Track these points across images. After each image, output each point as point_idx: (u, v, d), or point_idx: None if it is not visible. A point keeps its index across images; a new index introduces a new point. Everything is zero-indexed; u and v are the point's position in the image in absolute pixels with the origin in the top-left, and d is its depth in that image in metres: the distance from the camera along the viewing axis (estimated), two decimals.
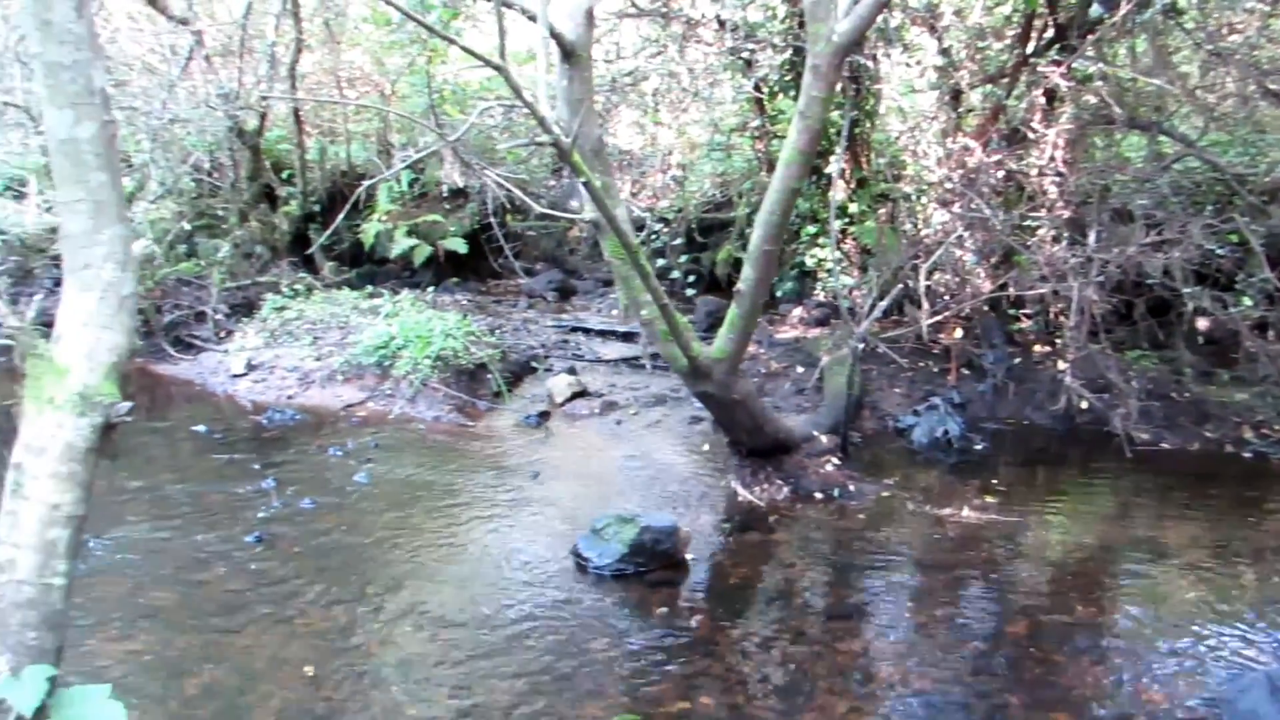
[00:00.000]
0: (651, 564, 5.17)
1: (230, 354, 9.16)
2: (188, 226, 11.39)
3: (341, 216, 6.42)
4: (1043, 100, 7.86)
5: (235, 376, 8.82)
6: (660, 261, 10.06)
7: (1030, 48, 8.08)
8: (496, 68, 4.15)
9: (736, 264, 10.51)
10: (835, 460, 6.57)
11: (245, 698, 4.01)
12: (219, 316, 10.15)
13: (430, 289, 11.13)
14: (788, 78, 9.37)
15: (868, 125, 9.49)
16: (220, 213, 11.91)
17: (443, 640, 4.48)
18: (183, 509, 5.91)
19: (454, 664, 4.29)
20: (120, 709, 1.76)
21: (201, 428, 7.56)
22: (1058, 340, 8.08)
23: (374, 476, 6.55)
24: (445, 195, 12.55)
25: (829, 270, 9.09)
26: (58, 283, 8.73)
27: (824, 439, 6.72)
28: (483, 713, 3.94)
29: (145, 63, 12.05)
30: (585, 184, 4.63)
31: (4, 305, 1.83)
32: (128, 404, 1.80)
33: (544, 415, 7.99)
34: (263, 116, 11.86)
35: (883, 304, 6.97)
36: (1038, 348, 8.47)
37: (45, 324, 1.97)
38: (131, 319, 1.86)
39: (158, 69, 11.85)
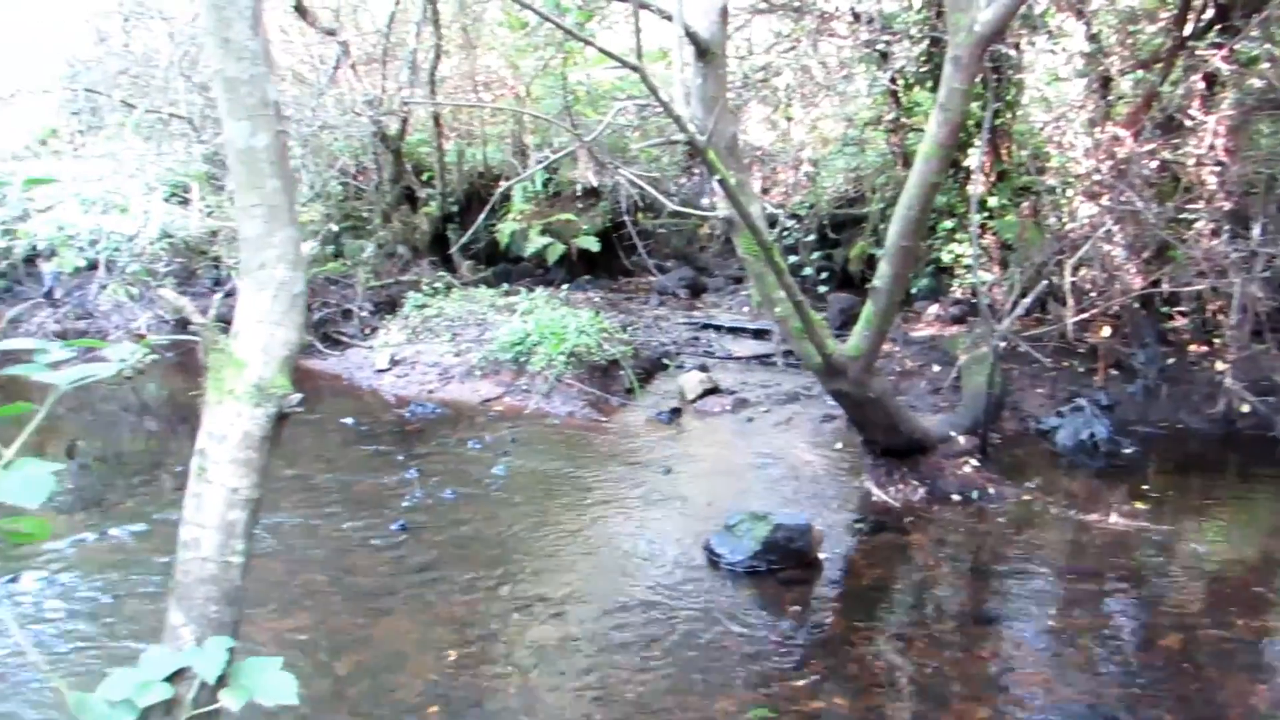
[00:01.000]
0: (784, 562, 5.15)
1: (375, 350, 9.55)
2: (335, 228, 11.91)
3: (483, 217, 6.61)
4: (1202, 86, 7.46)
5: (379, 371, 9.19)
6: (792, 258, 9.96)
7: (1188, 30, 7.68)
8: (633, 68, 4.21)
9: (870, 260, 10.36)
10: (974, 462, 6.40)
11: (393, 677, 4.18)
12: (364, 314, 10.60)
13: (564, 286, 11.34)
14: (924, 69, 9.18)
15: (1009, 116, 9.20)
16: (365, 214, 12.42)
17: (578, 629, 4.58)
18: (332, 497, 6.20)
19: (588, 653, 4.38)
20: (292, 680, 1.88)
21: (349, 420, 7.90)
22: (1216, 339, 7.66)
23: (511, 469, 6.73)
24: (578, 194, 12.77)
25: (967, 266, 8.85)
26: (217, 282, 9.29)
27: (962, 440, 6.56)
28: (616, 701, 4.01)
29: (295, 73, 12.68)
30: (720, 181, 4.65)
31: (190, 304, 1.97)
32: (298, 395, 1.92)
33: (675, 412, 8.05)
34: (404, 121, 12.32)
35: (1025, 301, 6.76)
36: (1194, 347, 8.05)
37: (223, 320, 2.12)
38: (301, 316, 1.99)
39: (307, 78, 12.45)
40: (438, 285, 10.79)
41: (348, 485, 6.41)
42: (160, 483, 6.85)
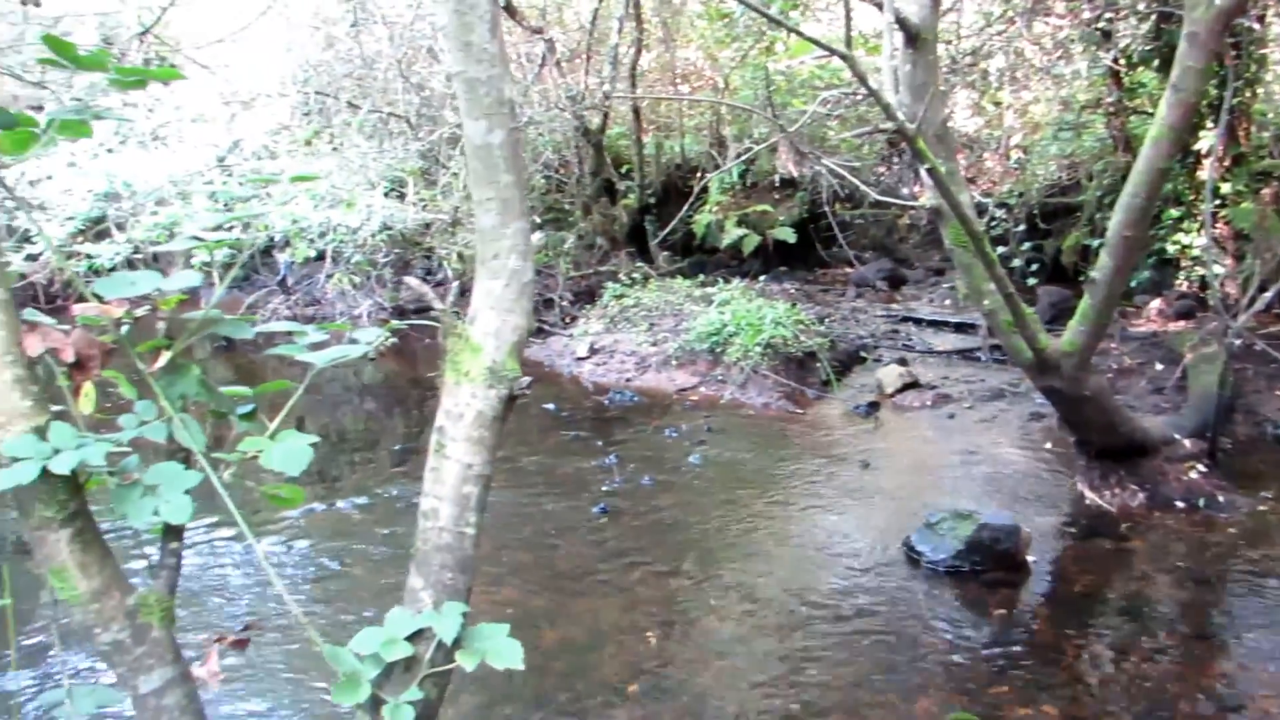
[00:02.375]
0: (989, 563, 4.98)
1: (575, 338, 9.85)
2: (537, 220, 12.35)
3: (685, 209, 6.68)
4: None
5: (579, 359, 9.47)
6: (1001, 249, 9.59)
7: None
8: (843, 56, 4.17)
9: (1084, 251, 9.82)
10: (1200, 467, 5.96)
11: (594, 655, 4.33)
12: (564, 303, 10.95)
13: (760, 278, 11.32)
14: (1150, 48, 8.59)
15: (1249, 95, 8.49)
16: (566, 207, 12.81)
17: (774, 619, 4.59)
18: (536, 479, 6.45)
19: (785, 643, 4.39)
20: (518, 647, 1.99)
21: (550, 406, 8.19)
22: None
23: (706, 458, 6.81)
24: (775, 185, 12.71)
25: (1195, 258, 8.25)
26: (428, 272, 9.79)
27: (1187, 443, 6.12)
28: (813, 692, 4.00)
29: None
30: (930, 170, 4.53)
31: (432, 292, 2.11)
32: (527, 379, 2.02)
33: (873, 405, 7.90)
34: (605, 115, 12.60)
35: (1265, 295, 6.24)
36: None
37: (421, 308, 2.26)
38: (530, 303, 2.09)
39: (514, 75, 12.94)
40: (635, 276, 11.00)
41: (550, 468, 6.65)
42: (379, 459, 7.32)
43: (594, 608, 4.77)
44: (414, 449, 7.42)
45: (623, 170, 13.32)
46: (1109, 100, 9.64)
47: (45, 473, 1.85)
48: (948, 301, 11.29)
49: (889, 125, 4.40)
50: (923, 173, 4.92)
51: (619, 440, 7.28)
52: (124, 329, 2.06)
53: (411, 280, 2.27)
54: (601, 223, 12.50)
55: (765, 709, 3.89)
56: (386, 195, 12.29)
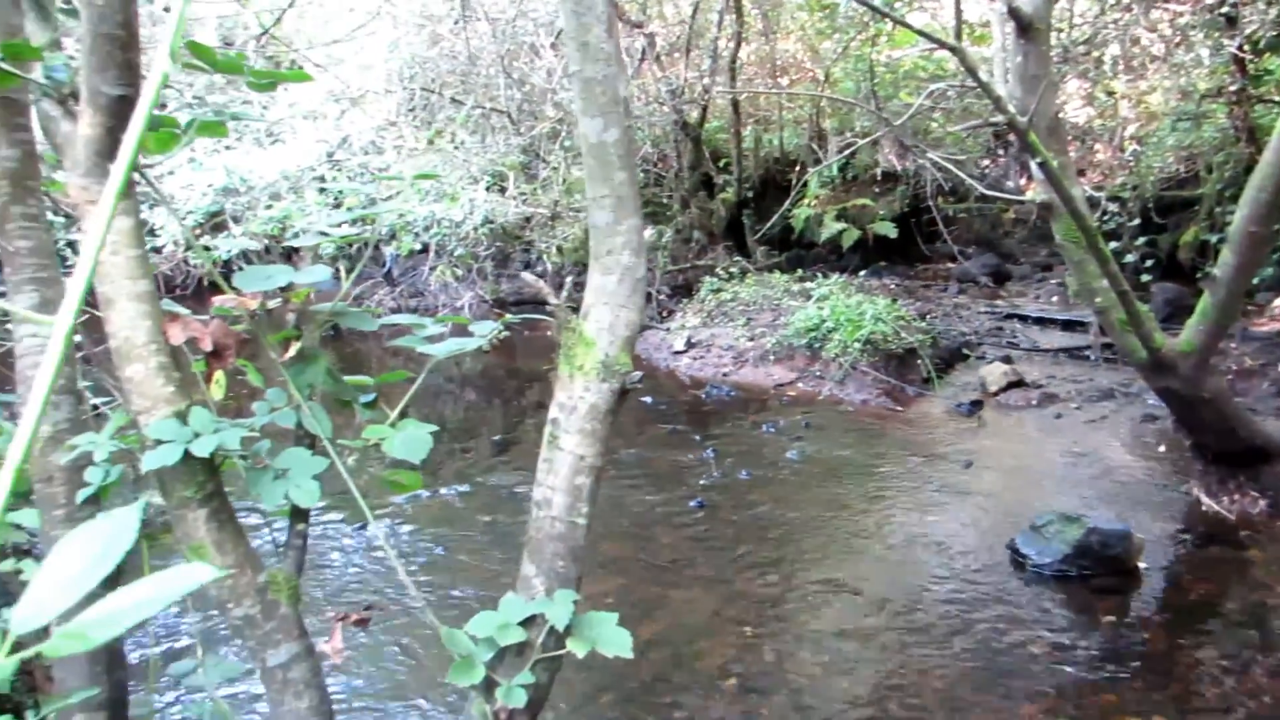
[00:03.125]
0: (1097, 568, 4.85)
1: (672, 332, 9.88)
2: None
3: (788, 204, 6.65)
4: None
5: (676, 353, 9.50)
6: (1114, 245, 9.28)
7: None
8: (952, 48, 4.10)
9: (1201, 247, 9.44)
10: None
11: (692, 647, 4.35)
12: (661, 297, 10.99)
13: (859, 273, 11.19)
14: (1278, 33, 8.20)
15: None
16: (664, 201, 12.85)
17: (873, 618, 4.55)
18: (634, 471, 6.51)
19: (884, 643, 4.34)
20: (627, 635, 2.03)
21: (647, 399, 8.25)
22: None
23: (804, 454, 6.77)
24: (876, 179, 12.53)
25: None
26: (527, 265, 9.90)
27: None
28: (913, 694, 3.96)
29: None
30: (1041, 164, 4.42)
31: (547, 286, 2.16)
32: (638, 374, 2.05)
33: (976, 404, 7.75)
34: (704, 109, 12.60)
35: None
36: None
37: (520, 301, 2.31)
38: (643, 299, 2.12)
39: None
40: (732, 270, 10.98)
41: (647, 461, 6.70)
42: (479, 449, 7.47)
43: (691, 600, 4.80)
44: (513, 439, 7.56)
45: (721, 164, 13.30)
46: (1232, 89, 9.22)
47: (187, 455, 1.96)
48: (1055, 298, 10.98)
49: (999, 118, 4.31)
50: (1033, 166, 4.81)
51: (716, 434, 7.29)
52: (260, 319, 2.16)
53: (527, 275, 2.33)
54: (699, 217, 12.50)
55: (863, 708, 3.87)
56: (488, 190, 12.53)
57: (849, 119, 12.58)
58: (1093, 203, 8.80)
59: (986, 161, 13.13)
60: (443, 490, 6.28)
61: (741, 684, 4.05)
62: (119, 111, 1.93)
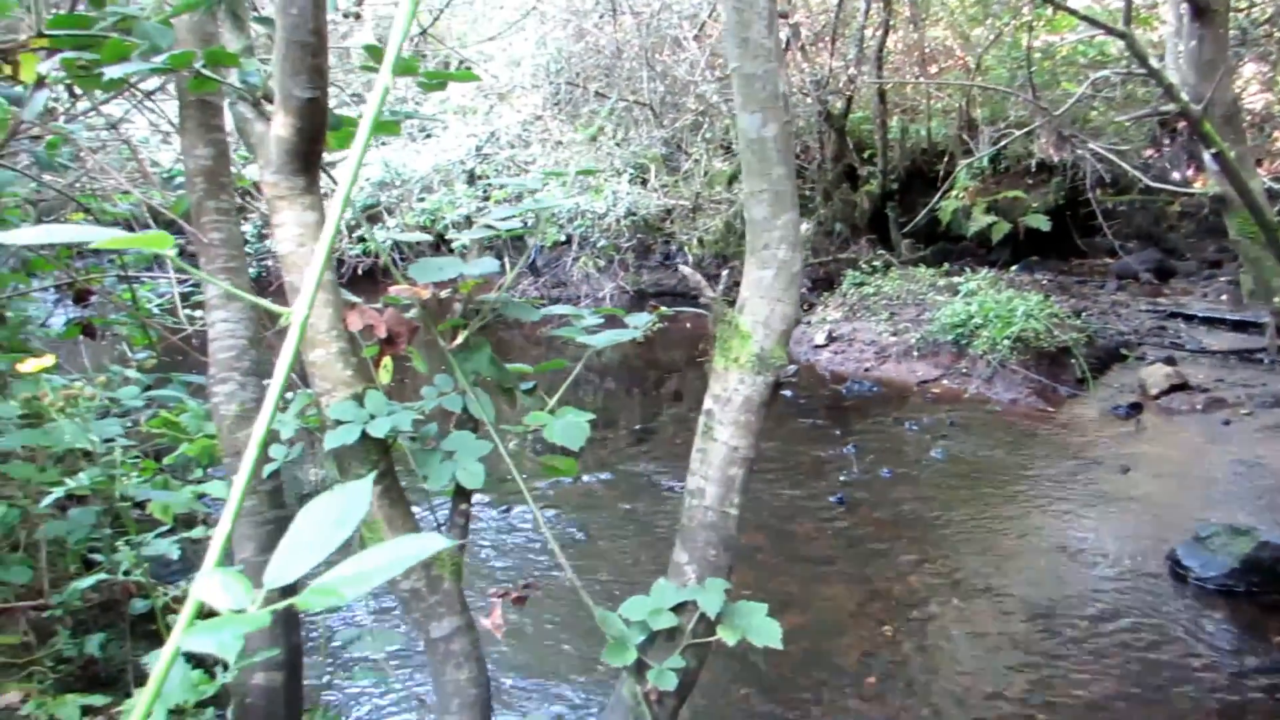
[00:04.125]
0: (1269, 585, 4.58)
1: (813, 326, 9.79)
2: None
3: (937, 198, 6.50)
4: None
5: (817, 347, 9.41)
6: None
7: None
8: (1119, 34, 3.94)
9: None
10: None
11: (830, 643, 4.34)
12: (802, 291, 10.89)
13: (1010, 267, 10.83)
14: None
15: None
16: (806, 193, 12.71)
17: (1020, 625, 4.43)
18: (774, 465, 6.50)
19: (1030, 651, 4.22)
20: (777, 626, 2.06)
21: (787, 393, 8.20)
22: None
23: (949, 453, 6.62)
24: (1029, 170, 12.09)
25: None
26: (667, 257, 9.98)
27: None
28: (1060, 705, 3.84)
29: None
30: (1216, 154, 4.20)
31: (704, 280, 2.20)
32: (793, 367, 2.07)
33: (1135, 407, 7.40)
34: (849, 99, 12.40)
35: None
36: None
37: (679, 294, 2.35)
38: (798, 293, 2.14)
39: None
40: (875, 264, 10.79)
41: (788, 455, 6.68)
42: (619, 438, 7.58)
43: (831, 596, 4.77)
44: (651, 429, 7.64)
45: (865, 155, 13.06)
46: None
47: (363, 435, 2.09)
48: (1224, 296, 10.36)
49: (1169, 107, 4.12)
50: (1206, 157, 4.57)
51: (857, 430, 7.20)
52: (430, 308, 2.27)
53: (685, 268, 2.37)
54: (842, 209, 12.33)
55: (1008, 718, 3.78)
56: (630, 182, 12.66)
57: (1001, 108, 12.17)
58: (1272, 195, 8.28)
59: (1150, 151, 12.48)
60: (584, 478, 6.41)
61: (881, 683, 4.02)
62: (308, 113, 2.06)
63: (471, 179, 13.20)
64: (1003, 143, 10.72)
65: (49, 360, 2.72)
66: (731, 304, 2.22)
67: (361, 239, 11.88)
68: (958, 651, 4.24)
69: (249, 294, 2.48)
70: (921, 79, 12.75)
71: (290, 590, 0.75)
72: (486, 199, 12.54)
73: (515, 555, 5.25)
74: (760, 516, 5.71)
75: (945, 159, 12.52)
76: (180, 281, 4.87)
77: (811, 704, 3.87)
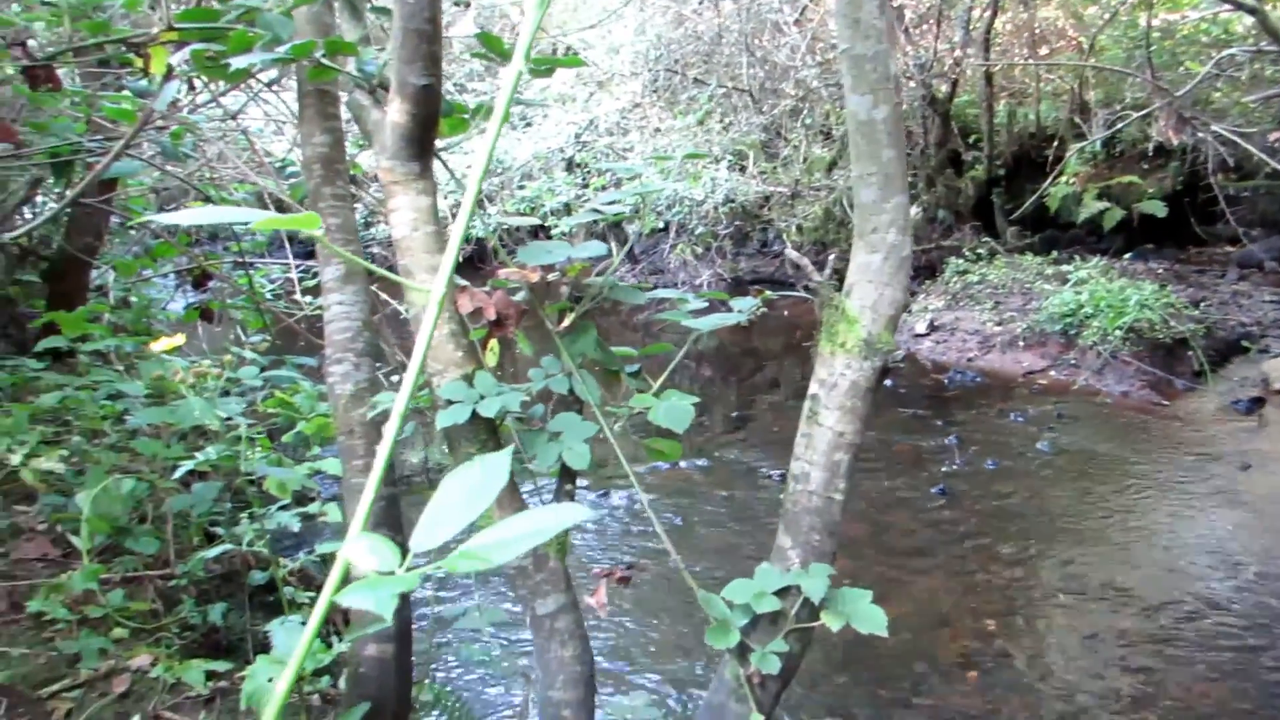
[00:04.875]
0: None
1: (913, 314, 9.62)
2: None
3: (1049, 182, 6.31)
4: None
5: (918, 336, 9.24)
6: None
7: None
8: (1249, 9, 3.76)
9: None
10: None
11: (930, 636, 4.27)
12: None
13: (1123, 255, 10.45)
14: None
15: None
16: (910, 179, 12.46)
17: (1130, 625, 4.29)
18: (872, 454, 6.41)
19: (1142, 652, 4.09)
20: (882, 614, 2.04)
21: (888, 382, 8.05)
22: None
23: (1056, 446, 6.44)
24: (1145, 154, 11.63)
25: None
26: (764, 244, 9.92)
27: None
28: (1168, 710, 3.71)
29: None
30: None
31: (810, 264, 2.19)
32: (901, 353, 2.04)
33: (1257, 401, 7.07)
34: (954, 83, 12.11)
35: None
36: None
37: (772, 282, 2.33)
38: (908, 278, 2.11)
39: None
40: (980, 251, 10.54)
41: (887, 445, 6.58)
42: (715, 424, 7.58)
43: (931, 588, 4.70)
44: (748, 416, 7.62)
45: (970, 140, 12.75)
46: None
47: (474, 415, 2.14)
48: None
49: None
50: None
51: (959, 421, 7.06)
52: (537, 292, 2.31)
53: (791, 252, 2.36)
54: (945, 195, 12.06)
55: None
56: (729, 168, 12.61)
57: (1117, 89, 11.72)
58: None
59: (1277, 135, 11.87)
60: (681, 464, 6.43)
61: (982, 678, 3.94)
62: (423, 99, 2.12)
63: (570, 166, 13.31)
64: (1118, 126, 10.33)
65: (179, 340, 2.85)
66: (838, 289, 2.20)
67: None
68: (1063, 649, 4.14)
69: (365, 277, 2.54)
70: (1031, 60, 12.36)
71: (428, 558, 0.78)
72: (585, 186, 12.64)
73: (612, 538, 5.30)
74: (859, 506, 5.65)
75: (1055, 143, 12.12)
76: (292, 268, 5.04)
77: (910, 696, 3.82)
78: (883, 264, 2.11)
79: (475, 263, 12.57)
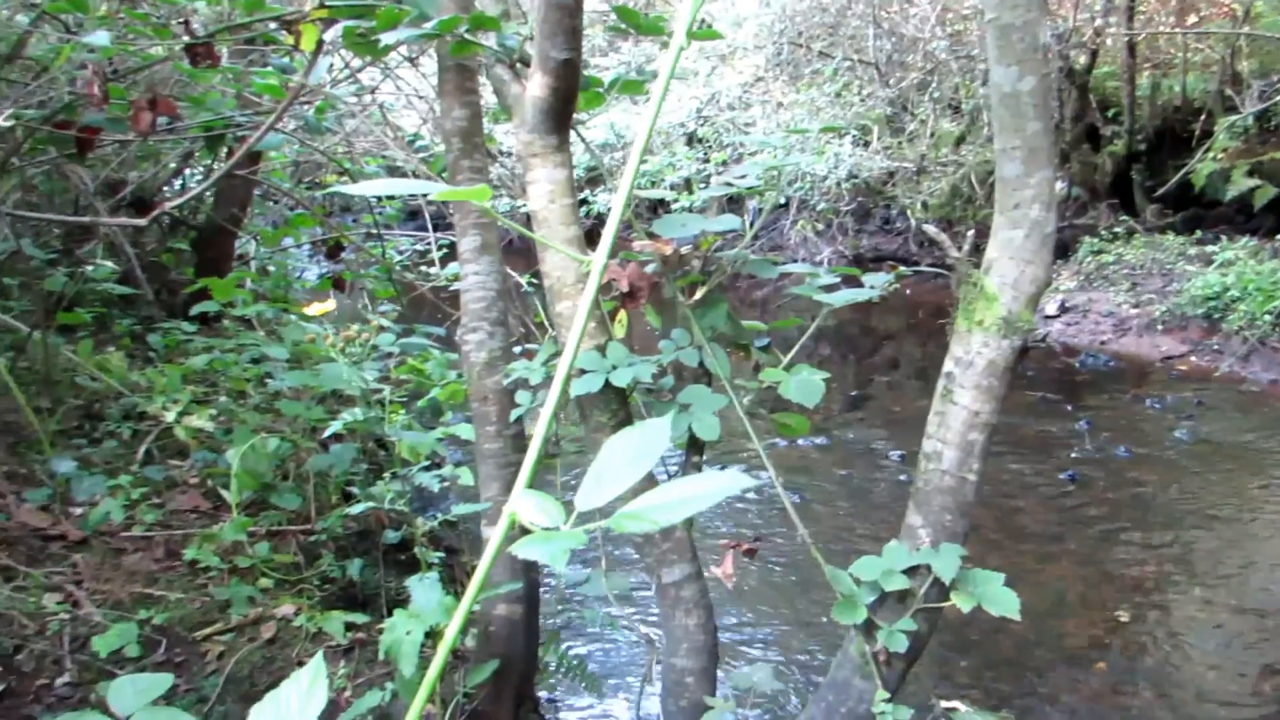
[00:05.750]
0: None
1: (1044, 295, 9.30)
2: None
3: (1198, 158, 6.00)
4: None
5: (1047, 318, 8.94)
6: None
7: None
8: None
9: None
10: None
11: (1057, 624, 4.16)
12: None
13: (1275, 235, 9.86)
14: None
15: None
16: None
17: (1274, 620, 4.09)
18: (1000, 438, 6.22)
19: None
20: (1015, 597, 2.00)
21: None
22: None
23: (1196, 435, 6.16)
24: None
25: None
26: (886, 222, 9.72)
27: None
28: None
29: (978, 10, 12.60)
30: None
31: (948, 240, 2.15)
32: (1043, 332, 1.99)
33: None
34: (1094, 53, 11.58)
35: None
36: None
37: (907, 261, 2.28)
38: (1051, 255, 2.05)
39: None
40: (1117, 230, 10.10)
41: (1014, 428, 6.41)
42: (834, 403, 7.50)
43: (1059, 575, 4.57)
44: (867, 395, 7.52)
45: (1108, 114, 12.18)
46: None
47: (606, 384, 2.18)
48: None
49: None
50: None
51: (1090, 406, 6.81)
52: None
53: (929, 228, 2.32)
54: (1081, 172, 11.58)
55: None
56: (853, 144, 12.37)
57: (1274, 59, 11.02)
58: None
59: None
60: (799, 441, 6.39)
61: (1112, 670, 3.82)
62: (564, 73, 2.15)
63: (691, 141, 13.27)
64: (1275, 99, 9.72)
65: (331, 305, 2.98)
66: (976, 266, 2.16)
67: (584, 200, 12.22)
68: (1198, 643, 3.98)
69: (499, 249, 2.61)
70: (1179, 29, 11.72)
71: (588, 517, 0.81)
72: (706, 161, 12.59)
73: (731, 512, 5.32)
74: (984, 490, 5.50)
75: (1202, 117, 11.49)
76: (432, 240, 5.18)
77: (1036, 683, 3.74)
78: (1025, 240, 2.06)
79: (593, 236, 12.67)
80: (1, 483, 3.23)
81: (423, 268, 5.84)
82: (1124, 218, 10.70)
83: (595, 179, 13.05)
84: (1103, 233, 10.02)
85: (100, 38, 2.48)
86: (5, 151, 3.20)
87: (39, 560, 2.96)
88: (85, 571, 2.97)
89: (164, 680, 1.65)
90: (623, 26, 2.47)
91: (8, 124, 2.41)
